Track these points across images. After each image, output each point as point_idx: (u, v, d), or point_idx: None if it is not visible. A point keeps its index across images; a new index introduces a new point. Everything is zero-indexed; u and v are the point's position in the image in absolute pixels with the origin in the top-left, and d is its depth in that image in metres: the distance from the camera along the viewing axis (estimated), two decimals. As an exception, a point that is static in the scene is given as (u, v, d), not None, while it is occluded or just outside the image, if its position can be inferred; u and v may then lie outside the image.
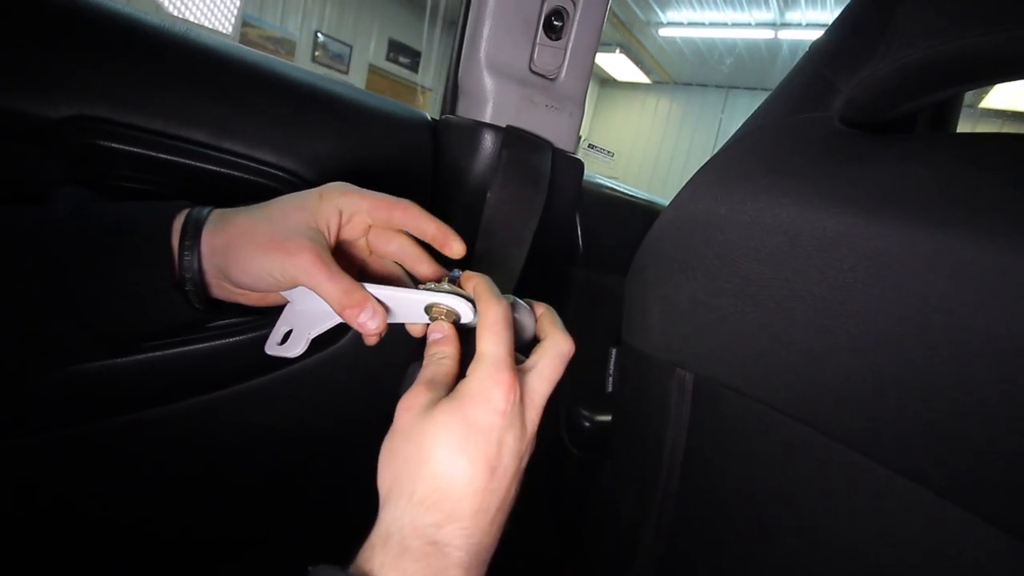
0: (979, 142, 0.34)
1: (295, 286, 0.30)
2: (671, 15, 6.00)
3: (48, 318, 0.28)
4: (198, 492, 0.48)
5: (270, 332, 0.33)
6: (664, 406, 0.52)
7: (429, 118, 0.54)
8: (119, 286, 0.29)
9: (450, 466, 0.25)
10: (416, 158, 0.50)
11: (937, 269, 0.30)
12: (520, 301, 0.33)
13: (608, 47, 7.34)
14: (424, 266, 0.34)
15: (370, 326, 0.30)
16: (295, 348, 0.32)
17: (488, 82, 0.48)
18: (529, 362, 0.30)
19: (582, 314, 0.68)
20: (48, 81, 0.36)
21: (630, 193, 0.72)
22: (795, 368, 0.37)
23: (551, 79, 0.50)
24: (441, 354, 0.30)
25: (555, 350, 0.30)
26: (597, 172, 0.75)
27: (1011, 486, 0.26)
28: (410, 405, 0.27)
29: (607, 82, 9.10)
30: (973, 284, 0.28)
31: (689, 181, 0.46)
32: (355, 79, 6.83)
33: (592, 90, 9.14)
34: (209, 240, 0.29)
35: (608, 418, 0.71)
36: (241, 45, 0.45)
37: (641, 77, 8.21)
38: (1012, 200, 0.28)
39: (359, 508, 0.27)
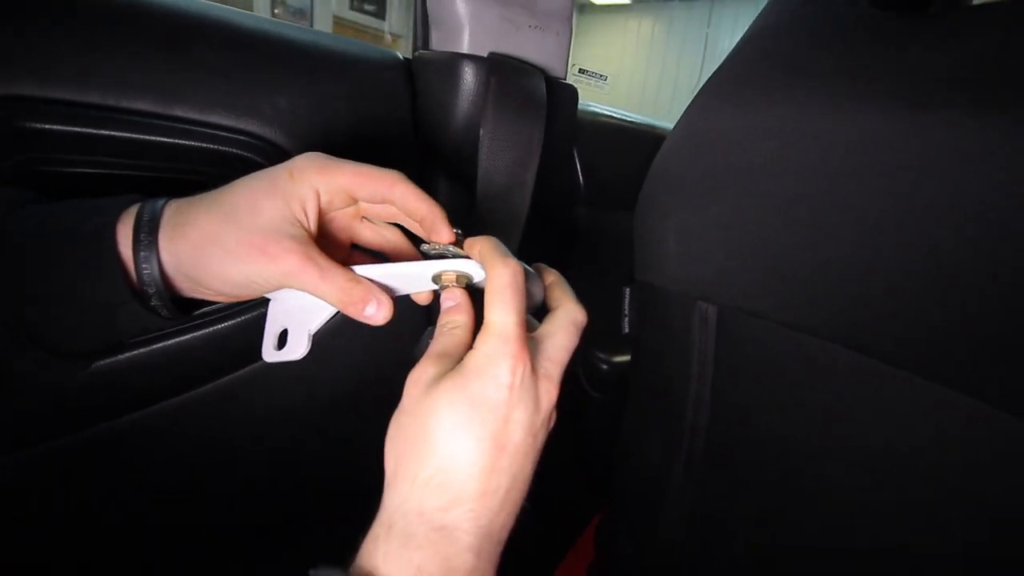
0: None
1: (280, 287, 0.26)
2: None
3: None
4: (207, 483, 0.46)
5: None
6: (687, 342, 0.50)
7: (401, 57, 0.48)
8: (67, 303, 0.25)
9: (454, 445, 0.23)
10: (393, 105, 0.45)
11: (996, 160, 0.26)
12: (529, 267, 0.29)
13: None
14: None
15: (377, 319, 0.27)
16: (297, 350, 0.28)
17: (461, 5, 0.42)
18: (541, 331, 0.27)
19: (589, 255, 0.64)
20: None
21: (630, 119, 0.66)
22: (834, 287, 0.34)
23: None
24: (453, 323, 0.27)
25: (569, 318, 0.27)
26: (590, 100, 0.69)
27: None
28: (417, 379, 0.24)
29: (585, 7, 8.61)
30: None
31: (698, 94, 0.41)
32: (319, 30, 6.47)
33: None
34: (169, 246, 0.25)
35: (627, 359, 0.69)
36: (176, -6, 0.39)
37: (620, -2, 7.76)
38: None
39: (374, 490, 0.25)
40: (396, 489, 0.23)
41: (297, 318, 0.29)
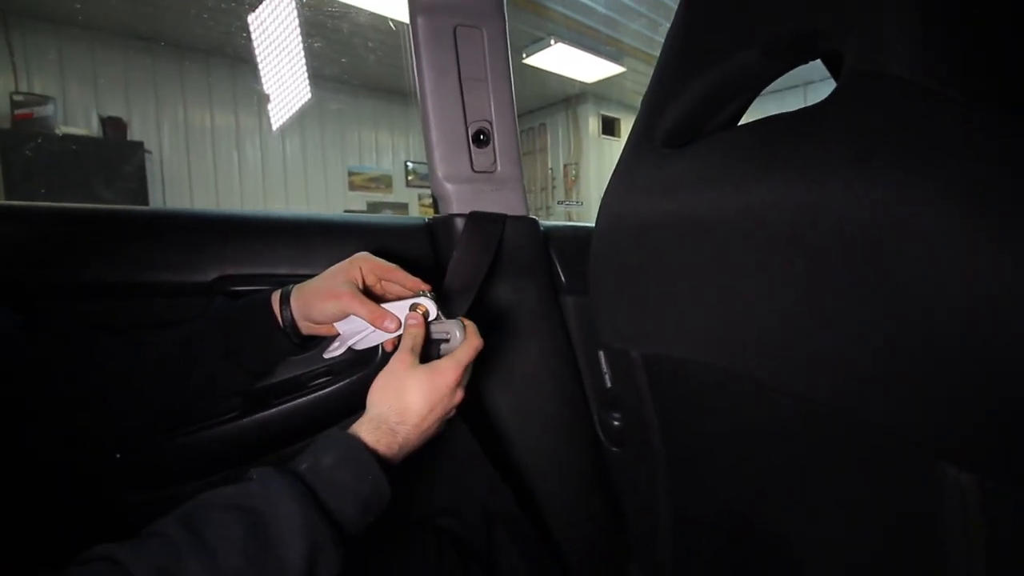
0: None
1: (346, 316, 0.55)
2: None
3: (219, 367, 0.55)
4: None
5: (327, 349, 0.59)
6: (634, 387, 0.65)
7: (426, 220, 0.78)
8: (253, 336, 0.56)
9: (414, 399, 0.48)
10: (417, 246, 0.73)
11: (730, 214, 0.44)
12: (461, 321, 0.53)
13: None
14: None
15: (390, 327, 0.55)
16: (337, 351, 0.59)
17: (448, 187, 0.71)
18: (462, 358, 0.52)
19: (582, 333, 0.83)
20: (203, 261, 0.66)
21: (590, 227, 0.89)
22: (703, 327, 0.49)
23: (491, 172, 0.72)
24: (415, 333, 0.53)
25: (470, 345, 0.52)
26: (577, 219, 0.91)
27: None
28: (402, 359, 0.50)
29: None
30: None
31: (602, 197, 0.62)
32: (445, 189, 7.68)
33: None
34: (295, 302, 0.56)
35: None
36: (299, 214, 0.74)
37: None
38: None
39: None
40: (375, 408, 0.48)
41: (346, 338, 0.58)
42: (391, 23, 4.98)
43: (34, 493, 0.57)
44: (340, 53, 5.65)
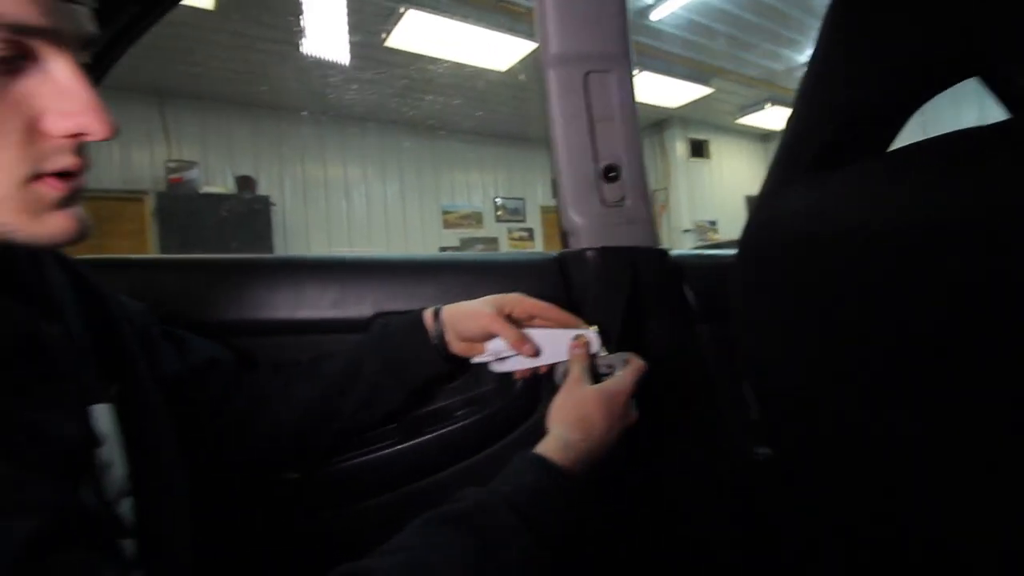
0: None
1: (492, 336, 0.59)
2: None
3: (379, 378, 0.61)
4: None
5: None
6: (788, 414, 0.62)
7: (554, 255, 0.81)
8: (408, 346, 0.62)
9: (595, 418, 0.50)
10: (551, 284, 0.76)
11: None
12: (622, 355, 0.57)
13: (757, 105, 7.24)
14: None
15: (528, 351, 0.58)
16: (483, 359, 0.63)
17: (578, 221, 0.74)
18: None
19: (719, 362, 0.81)
20: (361, 299, 0.73)
21: (724, 254, 0.87)
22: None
23: (620, 206, 0.74)
24: (582, 358, 0.57)
25: (637, 366, 0.55)
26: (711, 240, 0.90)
27: None
28: (577, 380, 0.54)
29: (769, 136, 8.75)
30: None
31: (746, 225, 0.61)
32: (532, 221, 7.86)
33: (756, 149, 8.85)
34: (448, 318, 0.61)
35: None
36: (440, 256, 0.80)
37: (805, 118, 7.73)
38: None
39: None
40: (556, 426, 0.50)
41: (493, 354, 0.62)
42: (521, 76, 5.29)
43: (231, 512, 0.65)
44: (430, 98, 6.05)
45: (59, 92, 0.33)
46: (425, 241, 6.80)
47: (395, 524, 0.73)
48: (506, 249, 7.52)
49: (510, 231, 7.67)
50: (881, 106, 0.48)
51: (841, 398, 0.53)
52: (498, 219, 7.58)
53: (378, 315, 0.73)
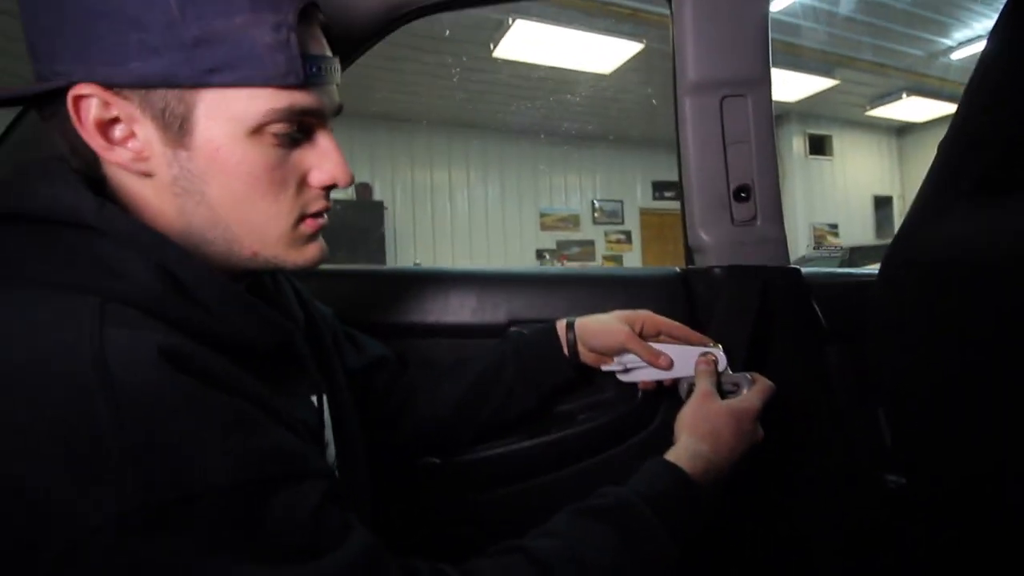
0: None
1: (622, 350, 0.63)
2: (959, 35, 5.10)
3: (515, 383, 0.67)
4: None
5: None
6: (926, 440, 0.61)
7: (678, 270, 0.84)
8: (544, 360, 0.67)
9: (724, 433, 0.52)
10: (674, 299, 0.79)
11: None
12: (748, 375, 0.59)
13: (892, 96, 6.54)
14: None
15: (662, 364, 0.61)
16: (612, 368, 0.66)
17: (706, 239, 0.76)
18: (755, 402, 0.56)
19: (849, 383, 0.79)
20: (497, 308, 0.81)
21: (857, 273, 0.84)
22: None
23: (751, 226, 0.75)
24: (710, 373, 0.59)
25: (765, 385, 0.57)
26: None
27: None
28: (707, 394, 0.56)
29: (905, 129, 7.84)
30: None
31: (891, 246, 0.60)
32: (630, 224, 7.73)
33: (890, 145, 7.97)
34: (580, 329, 0.65)
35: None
36: (567, 270, 0.86)
37: (947, 108, 6.84)
38: None
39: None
40: (685, 437, 0.53)
41: (621, 364, 0.65)
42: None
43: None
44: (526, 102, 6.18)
45: (320, 155, 0.43)
46: (523, 243, 6.96)
47: (517, 512, 0.80)
48: (602, 252, 7.46)
49: (607, 234, 7.61)
50: None
51: (980, 430, 0.51)
52: (595, 221, 7.55)
53: (512, 322, 0.80)
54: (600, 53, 4.86)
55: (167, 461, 0.29)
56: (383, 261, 5.79)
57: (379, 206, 5.91)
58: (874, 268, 0.67)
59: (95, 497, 0.27)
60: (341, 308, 0.74)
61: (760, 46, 0.73)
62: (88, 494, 0.27)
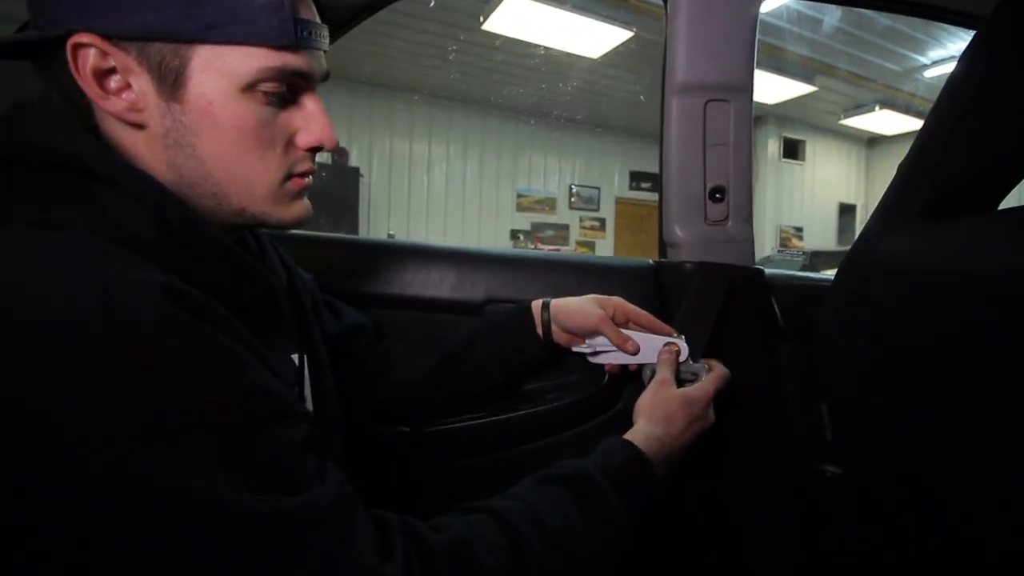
0: None
1: (595, 332, 0.66)
2: (934, 54, 5.29)
3: (488, 357, 0.70)
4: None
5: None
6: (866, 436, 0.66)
7: (651, 262, 0.87)
8: (516, 338, 0.70)
9: (676, 416, 0.56)
10: (645, 290, 0.83)
11: None
12: (706, 364, 0.62)
13: (866, 107, 6.75)
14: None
15: (630, 349, 0.65)
16: (582, 350, 0.69)
17: (680, 235, 0.80)
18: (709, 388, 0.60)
19: (797, 380, 0.85)
20: (475, 286, 0.83)
21: (815, 278, 0.90)
22: None
23: (723, 226, 0.79)
24: (672, 363, 0.63)
25: (719, 374, 0.61)
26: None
27: None
28: (665, 382, 0.60)
29: (875, 141, 8.12)
30: None
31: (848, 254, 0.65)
32: (605, 211, 7.80)
33: (859, 154, 8.24)
34: (555, 310, 0.68)
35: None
36: (546, 254, 0.88)
37: (915, 123, 7.11)
38: None
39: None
40: (642, 420, 0.57)
41: (592, 347, 0.68)
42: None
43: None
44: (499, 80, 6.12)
45: (307, 117, 0.44)
46: (498, 223, 6.94)
47: (484, 484, 0.83)
48: (576, 237, 7.52)
49: (582, 219, 7.66)
50: (997, 169, 0.51)
51: (915, 436, 0.57)
52: (571, 206, 7.58)
53: (489, 301, 0.83)
54: (590, 36, 4.83)
55: (165, 386, 0.30)
56: (356, 226, 5.69)
57: (355, 172, 5.78)
58: (831, 273, 0.72)
59: (95, 416, 0.29)
60: (322, 275, 0.74)
61: (746, 56, 0.76)
62: (88, 413, 0.28)
